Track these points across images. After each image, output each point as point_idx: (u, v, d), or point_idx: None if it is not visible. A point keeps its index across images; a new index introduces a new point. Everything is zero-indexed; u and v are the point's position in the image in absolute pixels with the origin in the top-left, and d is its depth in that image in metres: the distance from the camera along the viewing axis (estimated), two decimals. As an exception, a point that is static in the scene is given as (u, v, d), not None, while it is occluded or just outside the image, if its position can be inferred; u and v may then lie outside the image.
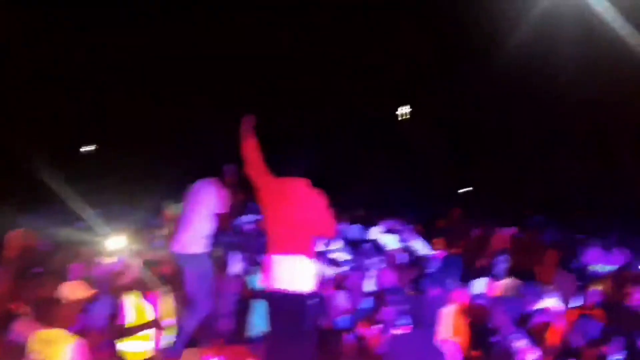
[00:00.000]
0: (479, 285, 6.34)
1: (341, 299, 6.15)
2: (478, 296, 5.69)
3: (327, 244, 6.90)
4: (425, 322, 4.31)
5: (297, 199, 4.71)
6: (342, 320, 5.76)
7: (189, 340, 5.61)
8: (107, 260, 6.19)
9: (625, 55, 12.37)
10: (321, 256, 6.55)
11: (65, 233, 7.25)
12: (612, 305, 5.56)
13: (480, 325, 5.13)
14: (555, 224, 9.66)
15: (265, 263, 4.78)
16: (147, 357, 5.35)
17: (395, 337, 4.59)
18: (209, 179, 5.57)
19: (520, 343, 4.62)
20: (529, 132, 18.29)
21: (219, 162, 5.71)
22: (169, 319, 5.66)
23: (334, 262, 6.83)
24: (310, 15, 18.20)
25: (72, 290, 5.35)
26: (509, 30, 14.82)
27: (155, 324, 5.52)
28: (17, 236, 4.95)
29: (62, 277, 5.88)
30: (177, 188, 6.01)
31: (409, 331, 4.21)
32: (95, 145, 23.03)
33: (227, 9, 17.92)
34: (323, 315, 5.65)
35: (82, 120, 19.60)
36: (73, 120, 19.10)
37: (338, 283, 6.35)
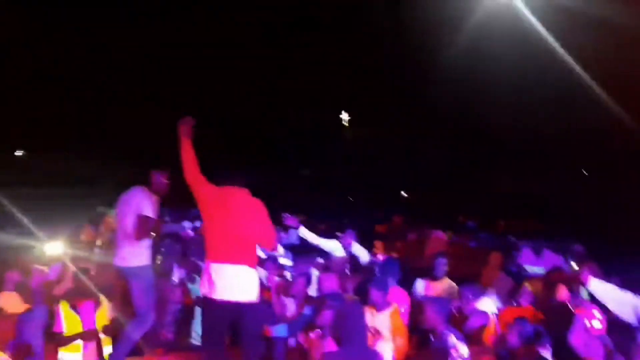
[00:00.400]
0: (418, 287, 6.53)
1: (284, 306, 6.17)
2: (417, 298, 5.86)
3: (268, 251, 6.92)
4: (364, 326, 4.37)
5: (237, 208, 4.71)
6: (283, 327, 5.75)
7: (131, 349, 5.48)
8: (43, 268, 5.98)
9: (555, 65, 12.93)
10: (263, 262, 6.58)
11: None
12: (544, 305, 5.83)
13: (419, 326, 5.26)
14: (488, 229, 10.05)
15: (204, 271, 4.76)
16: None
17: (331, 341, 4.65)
18: (138, 187, 5.44)
19: (454, 342, 4.78)
20: (464, 140, 18.81)
21: (154, 167, 5.56)
22: (105, 328, 5.55)
23: (276, 268, 6.86)
24: (251, 17, 18.16)
25: (8, 303, 5.20)
26: (444, 41, 15.20)
27: (89, 333, 5.40)
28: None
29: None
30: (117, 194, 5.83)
31: (345, 336, 4.24)
32: (25, 151, 22.36)
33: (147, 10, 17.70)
34: (265, 323, 5.65)
35: (15, 124, 18.93)
36: (5, 124, 18.41)
37: (281, 289, 6.37)
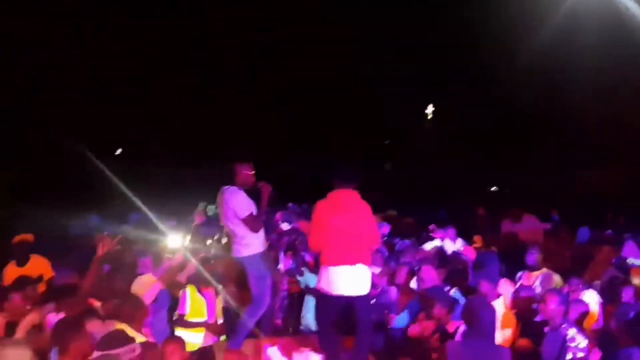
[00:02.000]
0: (521, 278, 6.63)
1: (391, 296, 6.44)
2: (522, 288, 5.96)
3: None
4: (476, 317, 4.51)
5: (351, 211, 5.17)
6: (394, 318, 6.03)
7: (249, 332, 5.87)
8: (170, 256, 6.49)
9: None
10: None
11: (126, 230, 7.66)
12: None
13: (527, 316, 5.39)
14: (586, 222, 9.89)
15: (324, 273, 5.20)
16: (198, 347, 5.67)
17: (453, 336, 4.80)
18: (227, 187, 5.69)
19: (573, 334, 4.88)
20: (553, 134, 18.35)
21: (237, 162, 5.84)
22: (220, 314, 6.01)
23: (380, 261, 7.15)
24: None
25: (145, 286, 5.73)
26: (532, 30, 14.90)
27: (209, 317, 5.87)
28: (108, 238, 5.29)
29: (133, 272, 6.29)
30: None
31: (472, 329, 4.36)
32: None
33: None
34: (376, 313, 5.98)
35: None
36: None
37: (388, 280, 6.65)
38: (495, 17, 15.72)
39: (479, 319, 4.30)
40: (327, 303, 5.23)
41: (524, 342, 5.26)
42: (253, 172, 5.79)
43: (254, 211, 5.60)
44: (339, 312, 5.30)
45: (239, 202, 5.58)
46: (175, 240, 6.75)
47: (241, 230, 5.63)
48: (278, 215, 9.51)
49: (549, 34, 14.38)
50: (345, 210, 5.17)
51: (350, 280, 5.10)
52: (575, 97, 16.76)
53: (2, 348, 3.75)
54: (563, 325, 4.93)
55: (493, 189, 19.25)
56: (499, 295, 5.70)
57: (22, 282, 5.30)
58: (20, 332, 4.41)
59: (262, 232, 5.80)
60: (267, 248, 6.04)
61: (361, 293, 5.17)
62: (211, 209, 10.89)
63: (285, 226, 8.44)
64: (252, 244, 5.68)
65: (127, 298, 5.29)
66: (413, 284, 6.62)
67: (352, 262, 5.10)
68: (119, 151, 23.67)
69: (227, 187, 5.68)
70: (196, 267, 6.01)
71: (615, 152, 18.01)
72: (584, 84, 15.92)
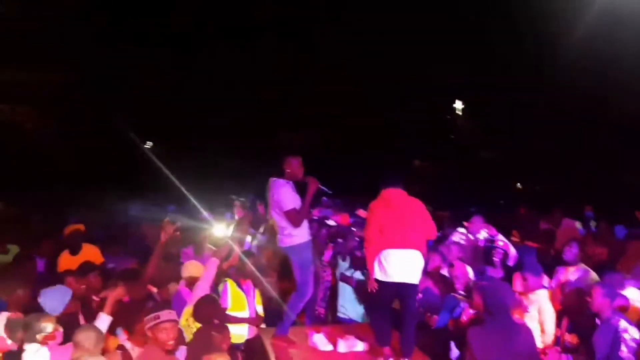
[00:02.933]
0: (559, 273, 6.70)
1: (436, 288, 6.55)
2: (568, 283, 6.01)
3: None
4: (509, 302, 4.54)
5: (403, 205, 5.43)
6: (445, 316, 6.09)
7: (293, 320, 6.01)
8: (212, 247, 6.65)
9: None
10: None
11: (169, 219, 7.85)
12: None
13: (575, 311, 5.42)
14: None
15: (378, 258, 5.35)
16: (241, 340, 5.85)
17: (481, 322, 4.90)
18: (275, 180, 5.80)
19: (625, 325, 4.91)
20: (587, 130, 18.13)
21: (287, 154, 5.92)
22: (259, 302, 6.17)
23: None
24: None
25: (195, 272, 5.91)
26: (567, 29, 14.70)
27: (249, 310, 6.00)
28: (170, 225, 5.47)
29: (177, 261, 6.48)
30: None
31: (489, 311, 4.42)
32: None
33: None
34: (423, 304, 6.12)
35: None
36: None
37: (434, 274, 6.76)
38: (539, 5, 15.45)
39: (486, 302, 4.42)
40: (382, 290, 5.36)
41: (571, 338, 5.34)
42: (301, 165, 5.86)
43: (297, 206, 5.70)
44: (392, 299, 5.47)
45: (283, 196, 5.69)
46: (219, 230, 6.92)
47: (284, 222, 5.74)
48: (315, 211, 9.66)
49: (586, 24, 14.12)
50: (398, 204, 5.41)
51: (405, 265, 5.27)
52: (621, 91, 16.51)
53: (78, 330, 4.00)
54: (615, 318, 4.99)
55: (518, 185, 19.05)
56: (543, 287, 5.78)
57: (86, 269, 5.51)
58: (108, 307, 4.60)
59: (305, 223, 5.87)
60: (311, 239, 6.10)
61: (413, 281, 5.34)
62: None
63: (331, 222, 8.58)
64: (295, 234, 5.78)
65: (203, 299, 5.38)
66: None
67: (408, 247, 5.28)
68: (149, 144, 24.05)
69: (274, 179, 5.80)
70: (239, 259, 6.15)
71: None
72: (631, 77, 15.64)
